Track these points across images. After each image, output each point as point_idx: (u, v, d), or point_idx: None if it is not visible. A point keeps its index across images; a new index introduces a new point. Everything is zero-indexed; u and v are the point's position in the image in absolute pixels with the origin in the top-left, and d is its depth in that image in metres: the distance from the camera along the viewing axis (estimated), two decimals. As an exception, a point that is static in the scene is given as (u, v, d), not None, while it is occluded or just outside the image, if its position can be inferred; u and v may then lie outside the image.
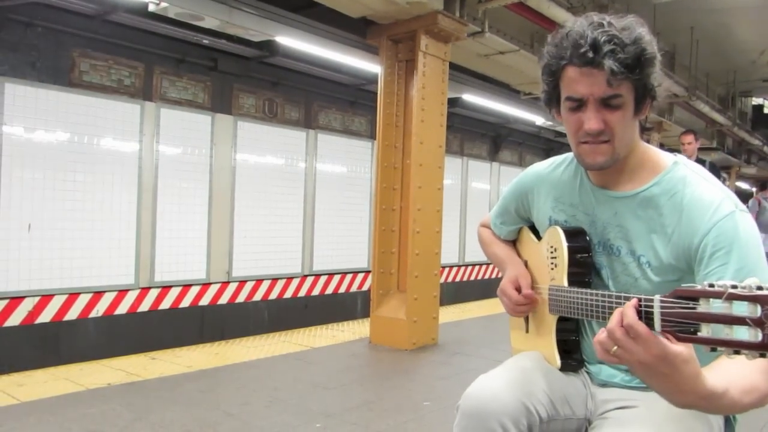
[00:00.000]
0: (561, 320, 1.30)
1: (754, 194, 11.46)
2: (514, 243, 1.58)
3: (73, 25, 5.32)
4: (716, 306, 0.80)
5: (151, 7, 4.43)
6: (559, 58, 1.13)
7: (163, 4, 4.31)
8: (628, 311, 0.89)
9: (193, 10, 4.53)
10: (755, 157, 15.43)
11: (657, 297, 0.88)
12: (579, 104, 1.13)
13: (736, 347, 0.78)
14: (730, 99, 11.73)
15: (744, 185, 18.37)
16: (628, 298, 0.94)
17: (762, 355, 0.78)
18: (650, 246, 1.17)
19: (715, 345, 0.80)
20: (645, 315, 0.89)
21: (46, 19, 5.15)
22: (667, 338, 0.87)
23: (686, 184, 1.16)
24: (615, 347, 0.91)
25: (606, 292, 1.07)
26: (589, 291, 1.13)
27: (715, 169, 4.04)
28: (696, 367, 0.89)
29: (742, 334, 0.78)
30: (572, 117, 1.15)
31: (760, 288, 0.77)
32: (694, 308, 0.82)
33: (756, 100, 14.06)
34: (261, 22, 5.07)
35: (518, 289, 1.40)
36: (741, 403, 0.94)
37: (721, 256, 1.06)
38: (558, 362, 1.30)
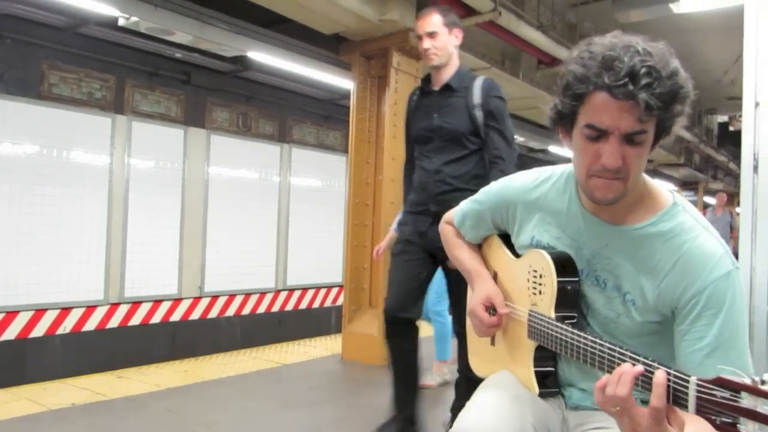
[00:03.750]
0: (540, 348, 1.24)
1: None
2: (479, 246, 1.49)
3: (42, 38, 5.26)
4: (763, 407, 0.75)
5: (121, 22, 4.40)
6: (587, 82, 1.01)
7: (134, 19, 4.29)
8: (662, 401, 0.85)
9: (164, 25, 4.52)
10: (721, 172, 15.83)
11: (693, 379, 0.83)
12: (600, 135, 1.03)
13: None
14: (697, 117, 12.03)
15: (711, 201, 18.82)
16: (636, 358, 0.91)
17: None
18: (638, 285, 1.12)
19: None
20: (674, 391, 0.85)
21: (15, 31, 5.08)
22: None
23: (684, 230, 1.10)
24: (619, 407, 0.89)
25: (609, 343, 1.00)
26: (585, 336, 1.07)
27: None
28: None
29: None
30: (590, 147, 1.05)
31: None
32: (736, 401, 0.78)
33: (721, 118, 14.43)
34: (233, 37, 5.07)
35: (490, 308, 1.33)
36: None
37: (709, 316, 1.04)
38: (536, 389, 1.25)
